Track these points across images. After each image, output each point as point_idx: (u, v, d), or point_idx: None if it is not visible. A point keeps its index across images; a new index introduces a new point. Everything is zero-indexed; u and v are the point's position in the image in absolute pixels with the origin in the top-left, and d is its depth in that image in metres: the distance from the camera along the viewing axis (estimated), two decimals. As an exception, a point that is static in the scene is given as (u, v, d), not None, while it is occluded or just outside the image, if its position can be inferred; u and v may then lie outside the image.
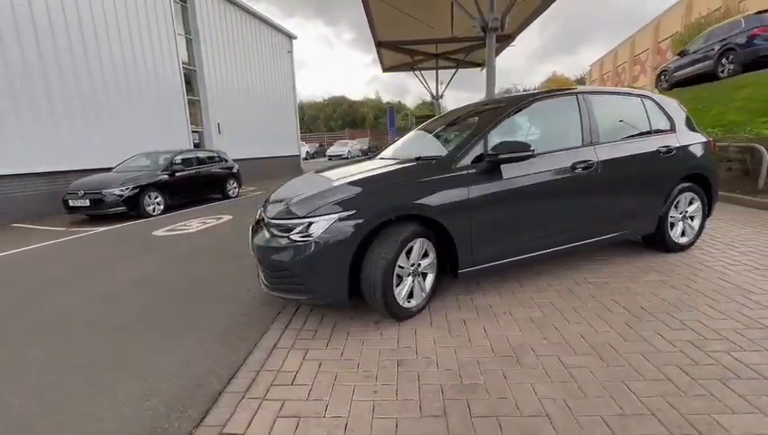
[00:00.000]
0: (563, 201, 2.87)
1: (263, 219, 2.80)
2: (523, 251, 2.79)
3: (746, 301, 2.49)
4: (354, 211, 2.28)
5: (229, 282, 3.60)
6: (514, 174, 2.63)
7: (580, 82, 51.28)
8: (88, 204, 7.27)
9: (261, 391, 1.88)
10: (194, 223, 6.71)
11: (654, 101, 3.43)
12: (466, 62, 17.71)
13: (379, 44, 15.12)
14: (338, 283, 2.33)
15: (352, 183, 2.54)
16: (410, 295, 2.52)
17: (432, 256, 2.58)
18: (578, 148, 2.90)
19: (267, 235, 2.53)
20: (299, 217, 2.35)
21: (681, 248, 3.47)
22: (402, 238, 2.33)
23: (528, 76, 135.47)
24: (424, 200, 2.41)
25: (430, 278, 2.63)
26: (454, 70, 18.13)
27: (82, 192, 7.30)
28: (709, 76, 10.28)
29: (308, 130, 44.25)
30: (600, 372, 1.86)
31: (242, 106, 15.14)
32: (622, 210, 3.12)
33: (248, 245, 2.87)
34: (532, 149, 2.50)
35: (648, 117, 3.32)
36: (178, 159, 8.94)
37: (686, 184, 3.33)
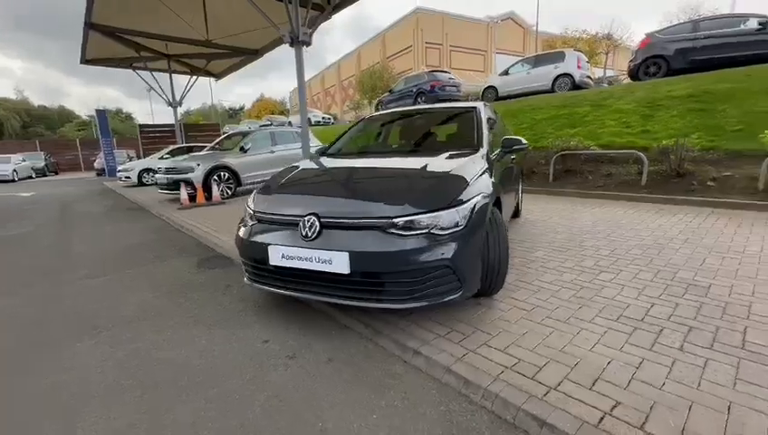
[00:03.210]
0: (511, 181, 3.87)
1: (316, 226, 2.14)
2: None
3: (591, 234, 4.27)
4: (480, 194, 2.29)
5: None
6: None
7: (283, 104, 56.85)
8: None
9: (552, 380, 1.75)
10: None
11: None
12: (206, 71, 16.29)
13: (92, 26, 11.55)
14: (479, 270, 2.26)
15: (462, 167, 2.50)
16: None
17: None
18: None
19: (389, 238, 2.03)
20: (443, 208, 2.09)
21: (519, 215, 5.30)
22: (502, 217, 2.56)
23: (226, 95, 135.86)
24: (498, 182, 2.72)
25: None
26: (189, 76, 16.22)
27: None
28: (411, 109, 14.63)
29: None
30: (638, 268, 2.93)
31: None
32: (516, 187, 4.51)
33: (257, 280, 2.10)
34: (524, 143, 3.31)
35: (503, 124, 4.91)
36: None
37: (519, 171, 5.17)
